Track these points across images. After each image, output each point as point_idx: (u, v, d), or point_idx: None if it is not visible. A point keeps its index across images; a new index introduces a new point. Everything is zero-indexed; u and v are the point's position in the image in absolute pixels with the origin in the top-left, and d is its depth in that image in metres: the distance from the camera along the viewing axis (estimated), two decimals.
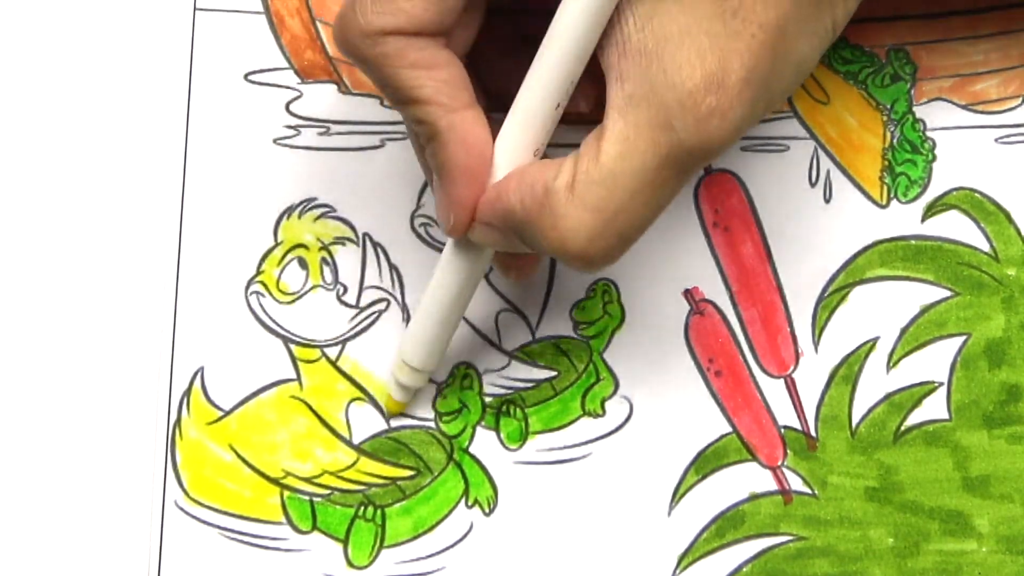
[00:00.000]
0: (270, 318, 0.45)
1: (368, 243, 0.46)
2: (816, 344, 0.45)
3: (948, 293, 0.45)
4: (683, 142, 0.35)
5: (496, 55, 0.40)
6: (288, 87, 0.47)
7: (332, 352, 0.45)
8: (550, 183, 0.36)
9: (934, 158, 0.46)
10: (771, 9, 0.35)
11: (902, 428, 0.45)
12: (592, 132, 0.36)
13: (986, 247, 0.46)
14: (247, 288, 0.45)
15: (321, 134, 0.46)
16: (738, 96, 0.35)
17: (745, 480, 0.44)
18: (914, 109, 0.46)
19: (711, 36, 0.35)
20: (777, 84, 0.36)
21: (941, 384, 0.45)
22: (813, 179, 0.46)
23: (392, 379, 0.44)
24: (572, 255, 0.36)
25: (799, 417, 0.45)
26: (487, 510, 0.44)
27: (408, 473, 0.44)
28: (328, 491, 0.44)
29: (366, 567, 0.44)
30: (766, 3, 0.35)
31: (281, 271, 0.46)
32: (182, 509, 0.44)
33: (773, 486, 0.44)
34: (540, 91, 0.37)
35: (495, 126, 0.38)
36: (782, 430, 0.45)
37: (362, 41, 0.37)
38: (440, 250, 0.46)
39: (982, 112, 0.46)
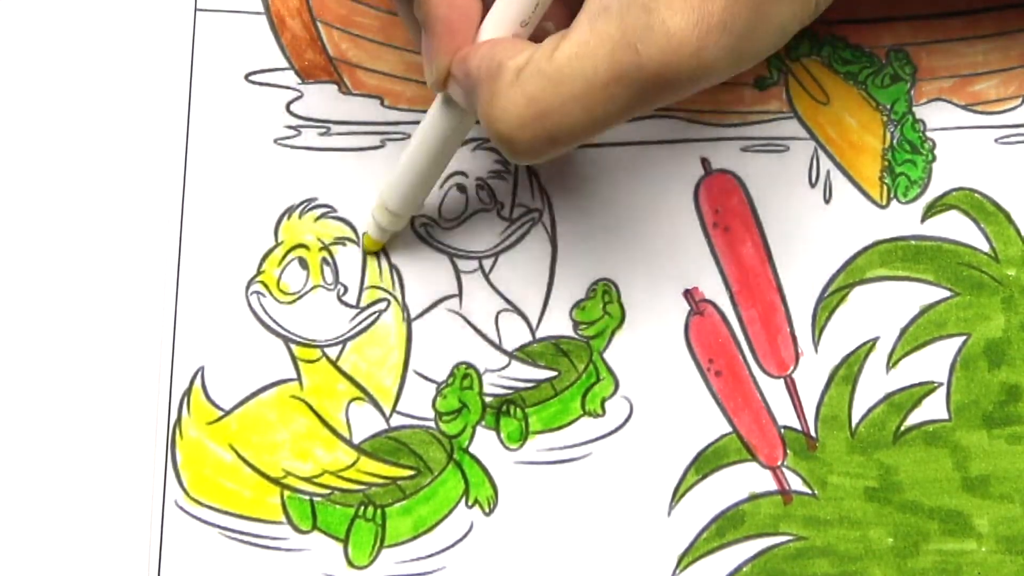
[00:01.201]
0: (270, 318, 0.45)
1: None
2: (816, 344, 0.45)
3: (948, 293, 0.45)
4: (643, 66, 0.35)
5: None
6: (288, 87, 0.47)
7: (332, 352, 0.45)
8: (505, 61, 0.37)
9: (934, 158, 0.46)
10: None
11: (902, 428, 0.45)
12: (560, 32, 0.36)
13: (986, 247, 0.46)
14: (247, 288, 0.46)
15: (321, 134, 0.47)
16: (715, 41, 0.35)
17: (745, 480, 0.44)
18: (914, 109, 0.47)
19: None
20: (754, 43, 0.36)
21: (941, 384, 0.45)
22: (813, 179, 0.46)
23: (371, 219, 0.44)
24: (497, 134, 0.37)
25: (799, 417, 0.45)
26: (487, 510, 0.44)
27: (408, 473, 0.44)
28: (328, 491, 0.44)
29: (366, 567, 0.44)
30: None
31: (282, 271, 0.46)
32: (182, 509, 0.44)
33: (773, 486, 0.44)
34: None
35: None
36: (782, 430, 0.45)
37: None
38: (441, 250, 0.46)
39: (982, 112, 0.46)
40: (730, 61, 0.36)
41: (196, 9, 0.47)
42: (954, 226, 0.46)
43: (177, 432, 0.44)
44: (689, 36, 0.35)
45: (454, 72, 0.39)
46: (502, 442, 0.45)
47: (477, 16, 0.39)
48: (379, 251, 0.46)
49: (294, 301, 0.45)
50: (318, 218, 0.46)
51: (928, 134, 0.46)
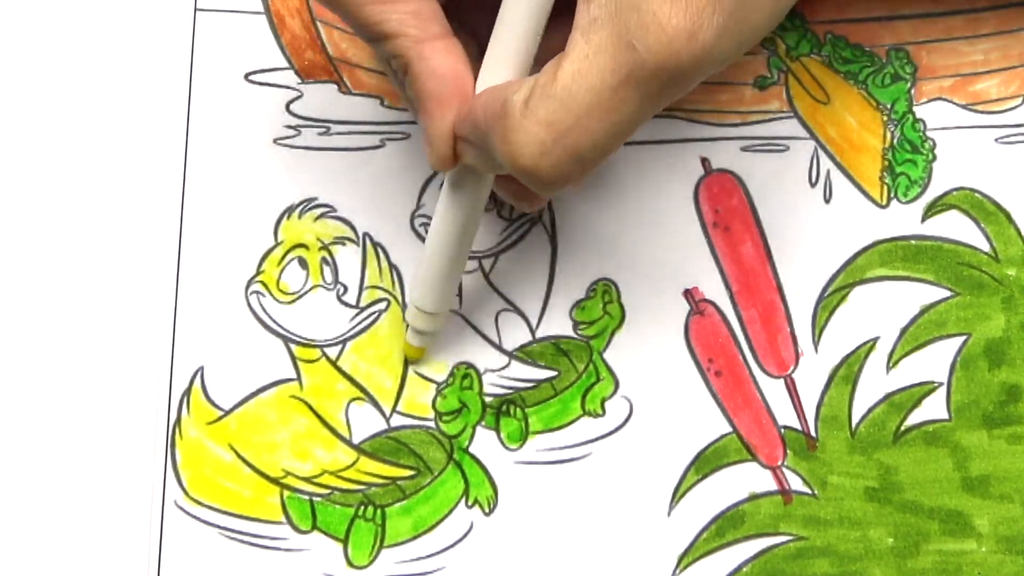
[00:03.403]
0: (270, 318, 0.45)
1: (368, 243, 0.46)
2: (816, 344, 0.45)
3: (948, 293, 0.45)
4: (645, 63, 0.34)
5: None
6: (288, 87, 0.47)
7: (332, 352, 0.45)
8: (510, 96, 0.36)
9: (934, 158, 0.46)
10: None
11: (902, 428, 0.45)
12: (556, 56, 0.36)
13: (986, 247, 0.46)
14: (247, 288, 0.46)
15: (321, 134, 0.47)
16: (709, 19, 0.34)
17: (745, 480, 0.44)
18: (914, 109, 0.46)
19: None
20: (748, 16, 0.35)
21: (941, 384, 0.45)
22: (813, 179, 0.46)
23: (408, 326, 0.44)
24: (521, 169, 0.36)
25: (799, 417, 0.45)
26: (487, 510, 0.44)
27: (408, 473, 0.44)
28: (328, 491, 0.44)
29: (366, 567, 0.44)
30: None
31: (281, 271, 0.46)
32: (182, 509, 0.44)
33: (773, 486, 0.44)
34: (516, 14, 0.37)
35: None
36: (782, 430, 0.45)
37: None
38: None
39: (982, 112, 0.46)
40: (728, 40, 0.35)
41: (196, 9, 0.47)
42: (954, 226, 0.46)
43: (177, 432, 0.44)
44: (681, 22, 0.34)
45: (462, 134, 0.38)
46: (502, 442, 0.45)
47: (470, 87, 0.38)
48: (416, 358, 0.45)
49: (294, 301, 0.45)
50: (318, 218, 0.46)
51: (928, 133, 0.46)
